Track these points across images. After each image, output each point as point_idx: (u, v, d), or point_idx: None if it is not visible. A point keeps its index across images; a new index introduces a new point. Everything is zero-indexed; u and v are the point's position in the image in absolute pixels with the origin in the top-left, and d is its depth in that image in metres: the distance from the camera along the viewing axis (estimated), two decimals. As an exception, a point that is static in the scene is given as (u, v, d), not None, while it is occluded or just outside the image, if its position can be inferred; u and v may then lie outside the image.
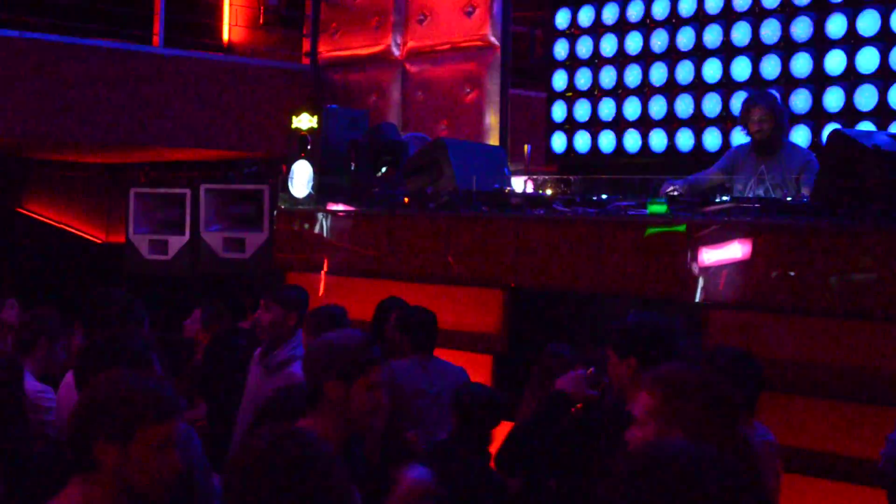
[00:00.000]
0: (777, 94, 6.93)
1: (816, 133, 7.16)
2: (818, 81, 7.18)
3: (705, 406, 2.62)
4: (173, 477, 2.50)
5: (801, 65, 7.26)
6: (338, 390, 3.06)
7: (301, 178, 7.84)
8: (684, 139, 7.91)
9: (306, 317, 5.15)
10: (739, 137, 6.68)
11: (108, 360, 3.20)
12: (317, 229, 7.55)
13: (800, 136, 7.22)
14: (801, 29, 7.27)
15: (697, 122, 7.85)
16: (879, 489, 3.80)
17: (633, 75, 8.19)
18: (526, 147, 7.69)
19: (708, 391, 2.65)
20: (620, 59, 8.26)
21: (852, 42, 7.01)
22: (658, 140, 8.04)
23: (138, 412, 2.47)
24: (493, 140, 8.94)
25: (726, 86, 7.63)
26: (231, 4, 11.58)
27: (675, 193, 6.05)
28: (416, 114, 9.60)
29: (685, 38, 7.88)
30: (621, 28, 8.25)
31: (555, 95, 8.65)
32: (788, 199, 5.68)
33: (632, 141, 8.20)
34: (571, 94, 8.56)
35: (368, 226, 7.27)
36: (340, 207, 7.54)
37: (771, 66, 7.40)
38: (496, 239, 6.42)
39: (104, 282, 10.03)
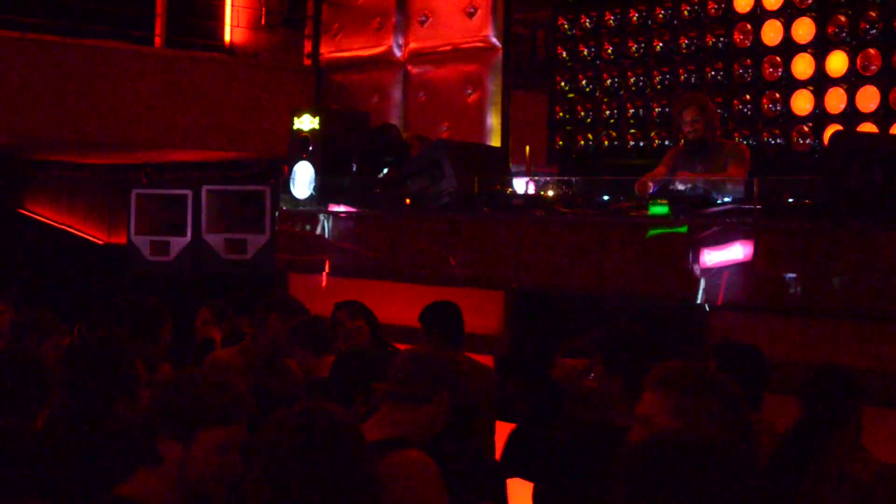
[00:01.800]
0: (706, 96, 7.04)
1: (818, 134, 7.15)
2: (819, 82, 7.17)
3: (709, 402, 2.60)
4: (234, 479, 2.53)
5: (804, 66, 7.25)
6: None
7: (302, 180, 7.84)
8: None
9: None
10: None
11: (84, 363, 3.26)
12: (318, 230, 7.55)
13: (801, 137, 7.23)
14: (803, 30, 7.25)
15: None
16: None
17: (635, 77, 8.18)
18: (527, 148, 7.68)
19: (712, 387, 2.64)
20: (623, 61, 8.26)
21: (853, 43, 7.00)
22: (660, 141, 8.03)
23: (202, 414, 2.51)
24: (495, 141, 8.93)
25: (728, 87, 7.62)
26: (233, 5, 11.57)
27: (654, 191, 6.11)
28: (417, 115, 9.60)
29: (687, 40, 7.87)
30: (624, 29, 8.24)
31: (557, 96, 8.65)
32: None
33: (633, 142, 8.20)
34: (573, 96, 8.55)
35: (370, 227, 7.27)
36: (342, 208, 7.54)
37: (772, 67, 7.40)
38: (497, 240, 6.42)
39: (106, 283, 10.03)
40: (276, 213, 7.97)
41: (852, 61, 6.99)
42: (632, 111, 8.21)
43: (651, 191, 6.20)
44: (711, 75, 7.73)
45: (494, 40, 9.04)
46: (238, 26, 11.61)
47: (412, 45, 9.67)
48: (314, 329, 4.97)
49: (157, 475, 2.52)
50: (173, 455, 2.50)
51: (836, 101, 7.07)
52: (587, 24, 8.47)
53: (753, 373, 3.99)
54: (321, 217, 7.53)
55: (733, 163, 6.25)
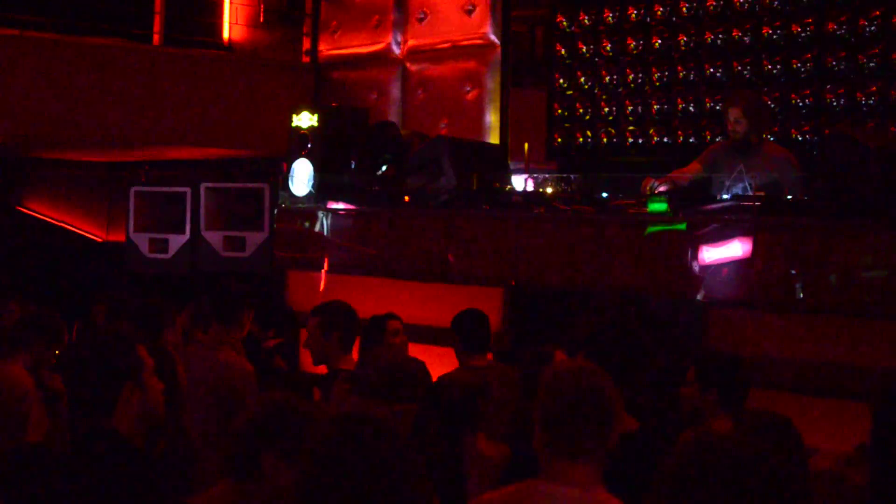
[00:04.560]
0: (756, 94, 6.95)
1: (817, 133, 7.15)
2: (819, 81, 7.17)
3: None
4: None
5: (803, 64, 7.25)
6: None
7: (301, 177, 7.83)
8: (685, 137, 7.90)
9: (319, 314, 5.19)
10: None
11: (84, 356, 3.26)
12: (317, 228, 7.55)
13: (801, 134, 7.23)
14: (803, 28, 7.26)
15: (698, 121, 7.84)
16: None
17: (634, 74, 8.18)
18: (526, 145, 7.68)
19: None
20: (621, 58, 8.26)
21: (854, 41, 7.00)
22: (659, 138, 8.03)
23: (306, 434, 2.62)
24: (494, 138, 8.93)
25: (727, 84, 7.62)
26: (231, 2, 11.56)
27: (661, 190, 6.07)
28: (416, 112, 9.59)
29: (686, 37, 7.87)
30: (622, 26, 8.24)
31: (555, 93, 8.64)
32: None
33: (632, 139, 8.20)
34: (572, 93, 8.55)
35: (369, 224, 7.27)
36: (341, 206, 7.54)
37: (772, 65, 7.40)
38: (496, 237, 6.42)
39: (104, 280, 10.03)
40: (275, 211, 7.97)
41: (852, 59, 6.99)
42: (630, 108, 8.21)
43: (657, 191, 6.19)
44: (711, 72, 7.73)
45: (493, 37, 9.03)
46: (237, 23, 11.59)
47: (411, 43, 9.67)
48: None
49: (249, 488, 2.62)
50: (277, 472, 2.61)
51: (835, 98, 7.07)
52: (586, 21, 8.47)
53: (733, 383, 4.03)
54: (320, 214, 7.53)
55: (788, 187, 5.97)
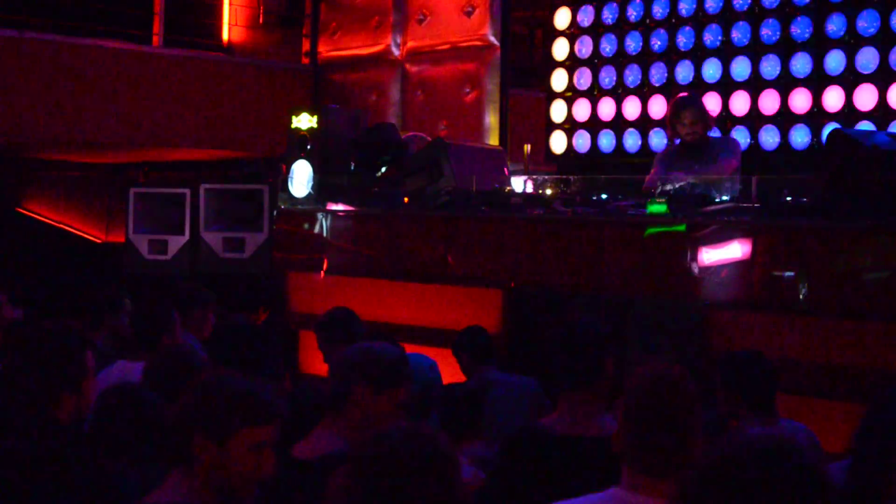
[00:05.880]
0: (697, 93, 7.12)
1: (816, 133, 7.15)
2: (818, 81, 7.18)
3: None
4: (265, 477, 2.59)
5: (801, 65, 7.26)
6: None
7: (301, 178, 7.84)
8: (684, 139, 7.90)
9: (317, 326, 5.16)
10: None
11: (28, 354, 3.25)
12: (316, 229, 7.55)
13: (799, 135, 7.24)
14: (801, 29, 7.26)
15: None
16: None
17: (632, 75, 8.18)
18: (526, 147, 7.69)
19: None
20: (620, 59, 8.26)
21: (852, 42, 7.00)
22: (657, 140, 8.03)
23: (238, 414, 2.56)
24: (493, 140, 8.93)
25: (725, 86, 7.62)
26: (231, 4, 11.58)
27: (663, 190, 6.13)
28: (415, 114, 9.60)
29: (685, 38, 7.87)
30: (621, 28, 8.25)
31: (554, 95, 8.64)
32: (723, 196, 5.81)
33: (631, 141, 8.20)
34: (571, 94, 8.55)
35: (368, 226, 7.27)
36: (340, 207, 7.54)
37: (770, 66, 7.40)
38: (496, 239, 6.42)
39: (104, 281, 10.03)
40: (275, 212, 7.97)
41: (850, 59, 7.00)
42: (630, 109, 8.21)
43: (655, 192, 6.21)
44: (709, 73, 7.73)
45: (492, 39, 9.04)
46: (236, 25, 11.61)
47: (410, 44, 9.67)
48: None
49: (194, 475, 2.55)
50: (207, 455, 2.54)
51: (834, 99, 7.07)
52: (585, 22, 8.47)
53: (761, 380, 4.02)
54: (319, 216, 7.53)
55: (725, 156, 6.28)
